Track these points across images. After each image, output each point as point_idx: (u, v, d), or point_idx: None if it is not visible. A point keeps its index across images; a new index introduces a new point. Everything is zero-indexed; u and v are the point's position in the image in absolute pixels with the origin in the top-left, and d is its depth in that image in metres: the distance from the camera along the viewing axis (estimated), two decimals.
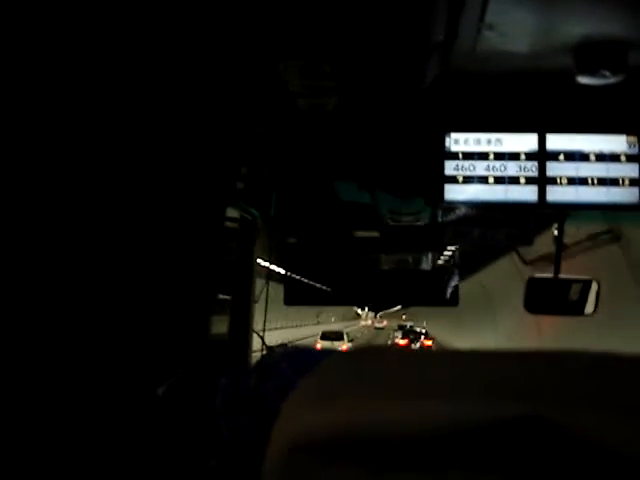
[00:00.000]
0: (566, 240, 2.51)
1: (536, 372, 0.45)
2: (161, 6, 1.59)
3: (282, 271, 4.07)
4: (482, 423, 0.39)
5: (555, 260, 2.55)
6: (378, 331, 49.35)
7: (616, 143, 2.20)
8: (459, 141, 2.25)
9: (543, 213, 2.40)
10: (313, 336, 25.81)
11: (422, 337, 29.86)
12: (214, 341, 2.21)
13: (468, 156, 2.24)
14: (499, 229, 2.63)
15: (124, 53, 1.67)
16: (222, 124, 2.23)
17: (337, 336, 24.03)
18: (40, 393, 1.45)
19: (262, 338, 2.83)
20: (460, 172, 2.24)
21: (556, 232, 2.50)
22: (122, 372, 1.67)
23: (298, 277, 4.35)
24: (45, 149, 1.49)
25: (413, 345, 27.50)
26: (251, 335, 2.64)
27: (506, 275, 11.40)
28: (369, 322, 58.63)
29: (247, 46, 1.82)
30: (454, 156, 2.25)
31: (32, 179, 1.45)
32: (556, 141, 2.22)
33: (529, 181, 2.21)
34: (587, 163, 2.20)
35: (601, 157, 2.20)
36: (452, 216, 2.55)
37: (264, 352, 2.78)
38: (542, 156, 2.22)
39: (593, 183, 2.19)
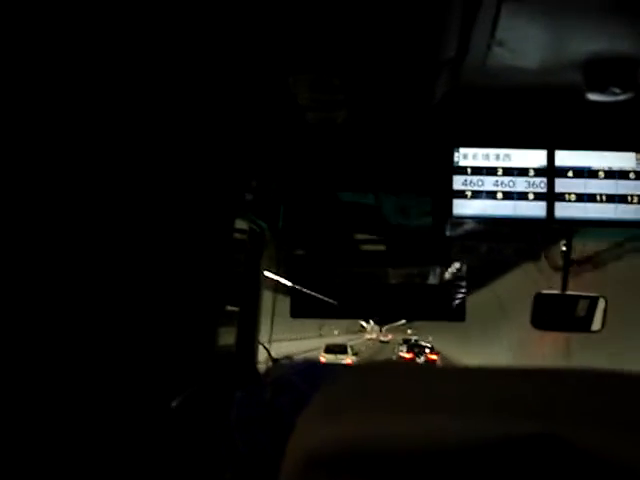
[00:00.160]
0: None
1: (545, 390, 0.45)
2: (172, 20, 1.60)
3: (289, 283, 4.06)
4: (491, 440, 0.39)
5: (563, 276, 2.54)
6: (383, 345, 49.19)
7: (625, 160, 2.20)
8: (468, 156, 2.26)
9: (551, 229, 2.39)
10: (315, 349, 25.60)
11: (427, 351, 29.73)
12: (222, 352, 2.21)
13: (477, 171, 2.24)
14: (507, 244, 2.62)
15: (135, 64, 1.68)
16: (231, 136, 2.24)
17: (341, 349, 23.84)
18: (54, 407, 1.45)
19: (268, 350, 2.83)
20: (468, 187, 2.24)
21: (564, 248, 2.50)
22: (134, 385, 1.67)
23: (305, 290, 4.34)
24: (54, 164, 1.50)
25: (418, 359, 27.40)
26: (257, 347, 2.64)
27: (514, 290, 11.36)
28: (374, 335, 58.46)
29: (257, 59, 1.83)
30: (463, 171, 2.25)
31: (37, 198, 1.46)
32: (565, 157, 2.23)
33: (538, 197, 2.21)
34: (596, 180, 2.20)
35: (610, 174, 2.20)
36: (460, 231, 2.54)
37: (269, 364, 2.77)
38: (551, 172, 2.22)
39: (602, 200, 2.19)
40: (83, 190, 1.57)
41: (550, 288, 2.62)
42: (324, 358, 21.14)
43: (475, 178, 2.24)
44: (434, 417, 0.42)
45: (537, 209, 2.21)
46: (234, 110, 2.15)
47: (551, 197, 2.21)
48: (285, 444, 0.47)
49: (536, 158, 2.23)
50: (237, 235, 2.38)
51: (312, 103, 2.03)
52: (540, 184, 2.22)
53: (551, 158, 2.23)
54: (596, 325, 2.65)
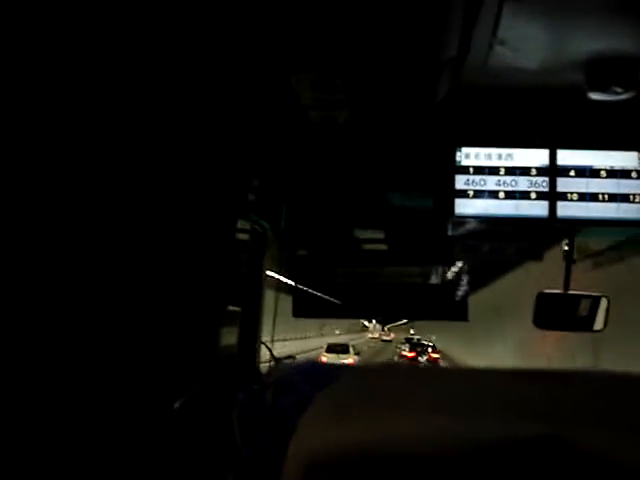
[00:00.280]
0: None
1: (551, 392, 0.45)
2: (174, 20, 1.60)
3: (292, 283, 4.07)
4: (497, 442, 0.39)
5: (565, 276, 2.54)
6: (385, 344, 49.18)
7: (627, 159, 2.20)
8: (470, 155, 2.26)
9: (553, 228, 2.39)
10: (315, 349, 25.48)
11: (429, 350, 29.78)
12: (224, 353, 2.21)
13: (479, 170, 2.24)
14: (509, 244, 2.62)
15: (136, 64, 1.68)
16: (234, 136, 2.24)
17: (343, 349, 23.72)
18: (57, 409, 1.45)
19: (270, 350, 2.83)
20: (471, 186, 2.24)
21: (566, 247, 2.49)
22: (136, 386, 1.67)
23: (307, 289, 4.34)
24: (55, 166, 1.50)
25: (420, 358, 27.48)
26: (259, 347, 2.64)
27: (516, 289, 11.36)
28: (376, 335, 58.46)
29: (260, 59, 1.83)
30: (465, 170, 2.25)
31: (38, 200, 1.46)
32: (567, 157, 2.23)
33: (540, 196, 2.21)
34: (598, 179, 2.20)
35: (612, 173, 2.20)
36: (462, 230, 2.54)
37: (272, 363, 2.78)
38: (553, 171, 2.22)
39: (604, 199, 2.19)
40: (84, 191, 1.58)
41: (552, 287, 2.62)
42: (325, 358, 21.03)
43: (477, 177, 2.24)
44: (439, 419, 0.42)
45: (539, 208, 2.21)
46: (236, 109, 2.15)
47: (553, 196, 2.21)
48: (287, 446, 0.47)
49: (538, 157, 2.23)
50: (239, 235, 2.39)
51: (314, 102, 2.04)
52: (542, 183, 2.22)
53: (553, 157, 2.23)
54: (598, 324, 2.64)
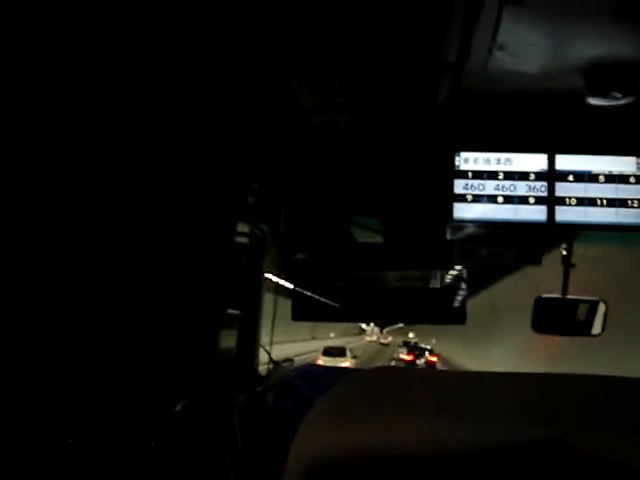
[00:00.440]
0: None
1: (552, 396, 0.45)
2: (177, 24, 1.60)
3: (290, 286, 4.07)
4: (499, 446, 0.39)
5: (563, 280, 2.54)
6: (382, 347, 49.04)
7: (626, 164, 2.21)
8: (469, 160, 2.26)
9: (552, 233, 2.40)
10: (312, 352, 25.16)
11: (427, 353, 29.80)
12: (223, 355, 2.21)
13: (478, 175, 2.25)
14: (507, 248, 2.62)
15: (139, 67, 1.68)
16: (234, 139, 2.24)
17: (339, 352, 23.54)
18: (59, 410, 1.45)
19: (269, 353, 2.83)
20: (469, 191, 2.24)
21: (564, 252, 2.50)
22: (138, 389, 1.67)
23: (306, 292, 4.34)
24: (55, 167, 1.50)
25: (418, 361, 27.49)
26: (258, 350, 2.64)
27: (515, 293, 11.35)
28: (374, 338, 58.28)
29: (261, 63, 1.83)
30: (464, 175, 2.25)
31: (38, 201, 1.46)
32: (565, 162, 2.23)
33: (538, 201, 2.22)
34: (596, 184, 2.21)
35: (610, 178, 2.20)
36: (461, 234, 2.55)
37: (270, 366, 2.78)
38: (551, 176, 2.22)
39: (602, 204, 2.19)
40: (84, 193, 1.58)
41: (551, 292, 2.62)
42: (322, 361, 20.88)
43: (476, 182, 2.24)
44: (440, 423, 0.42)
45: (538, 213, 2.22)
46: (237, 113, 2.16)
47: (552, 201, 2.21)
48: (287, 448, 0.47)
49: (537, 162, 2.24)
50: (239, 238, 2.39)
51: (315, 106, 2.04)
52: (541, 188, 2.22)
53: (552, 162, 2.23)
54: (596, 329, 2.65)
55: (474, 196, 2.24)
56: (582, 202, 2.20)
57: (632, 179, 2.20)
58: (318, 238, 3.44)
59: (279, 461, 0.50)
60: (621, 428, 0.40)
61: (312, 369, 0.79)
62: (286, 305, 3.54)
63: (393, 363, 26.65)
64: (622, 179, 2.20)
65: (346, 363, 19.97)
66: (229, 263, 2.27)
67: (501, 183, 2.23)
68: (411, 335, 50.14)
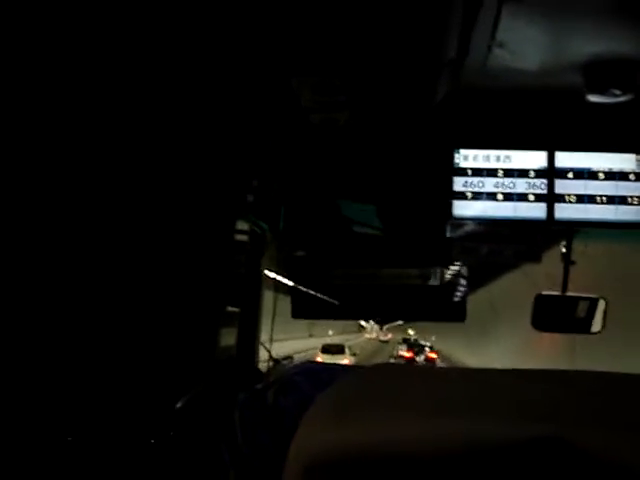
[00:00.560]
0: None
1: (551, 392, 0.45)
2: (176, 23, 1.60)
3: (290, 284, 4.07)
4: (498, 443, 0.39)
5: (563, 277, 2.54)
6: (382, 344, 49.05)
7: (625, 161, 2.20)
8: (468, 157, 2.26)
9: (551, 230, 2.40)
10: (304, 351, 24.88)
11: (427, 350, 29.88)
12: (223, 353, 2.21)
13: (477, 172, 2.25)
14: (507, 245, 2.62)
15: (139, 67, 1.68)
16: (233, 138, 2.24)
17: (338, 349, 23.33)
18: (60, 408, 1.46)
19: (269, 350, 2.83)
20: (469, 188, 2.24)
21: (564, 249, 2.50)
22: (138, 387, 1.67)
23: (306, 290, 4.34)
24: (56, 167, 1.50)
25: (418, 357, 27.55)
26: (258, 347, 2.64)
27: (515, 290, 11.35)
28: (374, 335, 58.30)
29: (260, 62, 1.83)
30: (463, 172, 2.25)
31: (39, 202, 1.46)
32: (565, 159, 2.23)
33: (538, 198, 2.22)
34: (596, 181, 2.20)
35: (610, 175, 2.20)
36: (460, 232, 2.55)
37: (270, 364, 2.78)
38: (551, 173, 2.22)
39: (602, 201, 2.19)
40: (85, 193, 1.58)
41: (550, 289, 2.62)
42: (320, 358, 20.74)
43: (475, 179, 2.24)
44: (440, 420, 0.42)
45: (537, 210, 2.22)
46: (236, 111, 2.16)
47: (551, 198, 2.21)
48: (287, 445, 0.47)
49: (536, 159, 2.23)
50: (238, 236, 2.39)
51: (315, 105, 2.04)
52: (540, 185, 2.22)
53: (551, 159, 2.23)
54: (596, 326, 2.64)
55: (473, 193, 2.24)
56: (582, 199, 2.20)
57: (632, 176, 2.20)
58: (317, 236, 3.45)
59: (279, 458, 0.50)
60: (620, 425, 0.40)
61: (312, 366, 0.79)
62: (284, 302, 3.55)
63: (393, 361, 26.66)
64: (622, 176, 2.20)
65: (345, 361, 19.84)
66: (229, 261, 2.27)
67: (500, 180, 2.23)
68: (411, 332, 50.14)
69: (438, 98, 2.06)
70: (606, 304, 2.62)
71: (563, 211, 2.21)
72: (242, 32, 1.66)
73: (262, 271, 2.67)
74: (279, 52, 1.76)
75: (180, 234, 1.94)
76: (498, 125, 2.33)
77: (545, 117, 2.28)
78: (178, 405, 1.70)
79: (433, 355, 28.66)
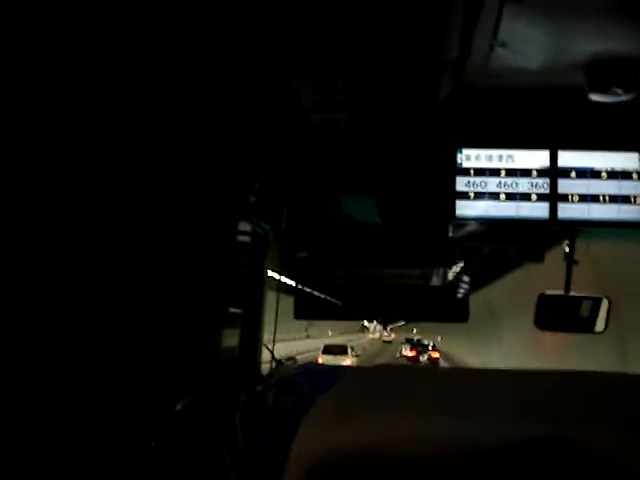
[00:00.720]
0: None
1: (556, 393, 0.45)
2: (176, 23, 1.60)
3: (292, 284, 4.07)
4: (502, 443, 0.39)
5: (566, 277, 2.54)
6: (385, 345, 49.04)
7: (628, 160, 2.20)
8: (470, 157, 2.26)
9: (554, 230, 2.39)
10: (313, 350, 24.55)
11: (430, 349, 29.95)
12: (225, 354, 2.21)
13: (479, 172, 2.24)
14: (510, 245, 2.62)
15: (139, 67, 1.68)
16: (235, 138, 2.24)
17: (340, 350, 22.64)
18: (60, 409, 1.46)
19: (272, 351, 2.83)
20: (471, 188, 2.24)
21: (567, 249, 2.49)
22: (139, 388, 1.67)
23: (309, 291, 4.34)
24: (56, 167, 1.50)
25: (421, 357, 27.61)
26: (261, 348, 2.64)
27: (518, 290, 11.34)
28: (377, 335, 58.28)
29: (261, 62, 1.83)
30: (465, 172, 2.25)
31: (39, 202, 1.46)
32: (568, 158, 2.22)
33: (540, 198, 2.21)
34: (599, 180, 2.20)
35: (613, 174, 2.20)
36: (463, 232, 2.54)
37: (273, 365, 2.77)
38: (554, 173, 2.22)
39: (605, 200, 2.19)
40: (85, 193, 1.58)
41: (553, 289, 2.61)
42: (322, 359, 20.44)
43: (478, 179, 2.24)
44: (443, 421, 0.42)
45: (540, 210, 2.21)
46: (238, 112, 2.15)
47: (554, 198, 2.21)
48: (288, 447, 0.47)
49: (539, 159, 2.23)
50: (240, 237, 2.39)
51: (315, 105, 2.04)
52: (543, 185, 2.21)
53: (554, 159, 2.23)
54: (599, 326, 2.64)
55: (476, 193, 2.24)
56: (584, 199, 2.20)
57: (635, 175, 2.19)
58: (320, 236, 3.44)
59: (280, 460, 0.49)
60: (624, 425, 0.40)
61: (313, 367, 0.78)
62: (285, 302, 3.54)
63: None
64: (625, 175, 2.19)
65: (347, 362, 19.58)
66: (231, 262, 2.27)
67: (503, 180, 2.23)
68: (414, 331, 50.14)
69: (440, 98, 2.06)
70: (609, 304, 2.62)
71: (566, 211, 2.20)
72: (242, 32, 1.66)
73: (265, 272, 2.67)
74: (279, 52, 1.76)
75: (182, 236, 1.94)
76: (500, 125, 2.32)
77: (547, 116, 2.27)
78: (178, 407, 1.70)
79: (436, 354, 28.72)
